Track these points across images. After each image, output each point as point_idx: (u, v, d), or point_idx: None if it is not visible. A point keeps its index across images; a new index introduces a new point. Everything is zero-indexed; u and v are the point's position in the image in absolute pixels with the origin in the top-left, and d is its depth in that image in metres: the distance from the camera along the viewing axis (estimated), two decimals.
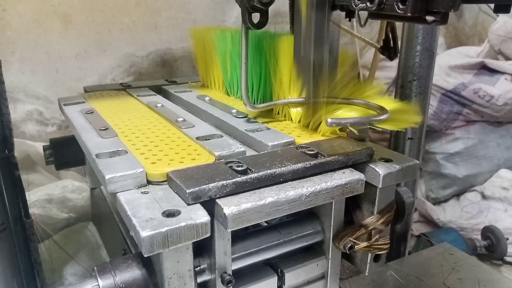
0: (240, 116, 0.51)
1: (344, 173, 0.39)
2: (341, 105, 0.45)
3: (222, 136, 0.45)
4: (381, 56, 0.62)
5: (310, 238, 0.43)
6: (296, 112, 0.49)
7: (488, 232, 1.06)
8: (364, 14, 0.37)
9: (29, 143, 0.88)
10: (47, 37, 0.96)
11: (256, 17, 0.42)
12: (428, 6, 0.25)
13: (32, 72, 0.95)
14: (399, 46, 0.61)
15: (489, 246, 1.05)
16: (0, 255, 0.49)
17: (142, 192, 0.35)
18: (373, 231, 0.43)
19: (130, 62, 1.06)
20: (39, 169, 0.88)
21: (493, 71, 1.56)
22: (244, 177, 0.35)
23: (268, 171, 0.36)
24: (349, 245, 0.42)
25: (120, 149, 0.41)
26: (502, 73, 1.71)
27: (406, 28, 0.75)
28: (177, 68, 1.13)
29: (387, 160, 0.42)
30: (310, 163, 0.38)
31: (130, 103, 0.60)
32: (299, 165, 0.37)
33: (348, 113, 0.44)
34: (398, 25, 0.89)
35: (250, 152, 0.43)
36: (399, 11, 0.27)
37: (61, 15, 0.96)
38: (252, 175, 0.35)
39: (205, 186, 0.33)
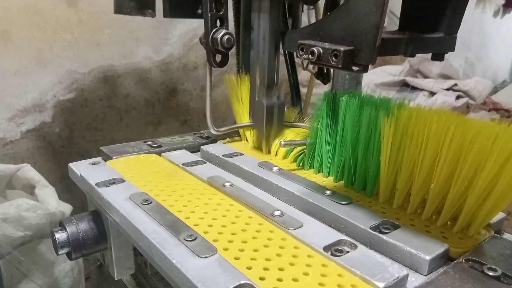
0: (343, 203, 0.41)
1: None
2: None
3: (356, 246, 0.34)
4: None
5: None
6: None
7: None
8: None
9: None
10: None
11: (218, 57, 0.50)
12: (354, 59, 0.35)
13: None
14: (332, 73, 0.73)
15: None
16: None
17: None
18: None
19: (72, 79, 1.05)
20: None
21: (413, 88, 1.75)
22: None
23: None
24: None
25: (242, 283, 0.29)
26: (421, 89, 1.88)
27: None
28: (120, 84, 1.14)
29: None
30: None
31: (186, 181, 0.46)
32: None
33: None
34: None
35: None
36: (333, 63, 0.36)
37: (0, 31, 0.93)
38: None
39: None
